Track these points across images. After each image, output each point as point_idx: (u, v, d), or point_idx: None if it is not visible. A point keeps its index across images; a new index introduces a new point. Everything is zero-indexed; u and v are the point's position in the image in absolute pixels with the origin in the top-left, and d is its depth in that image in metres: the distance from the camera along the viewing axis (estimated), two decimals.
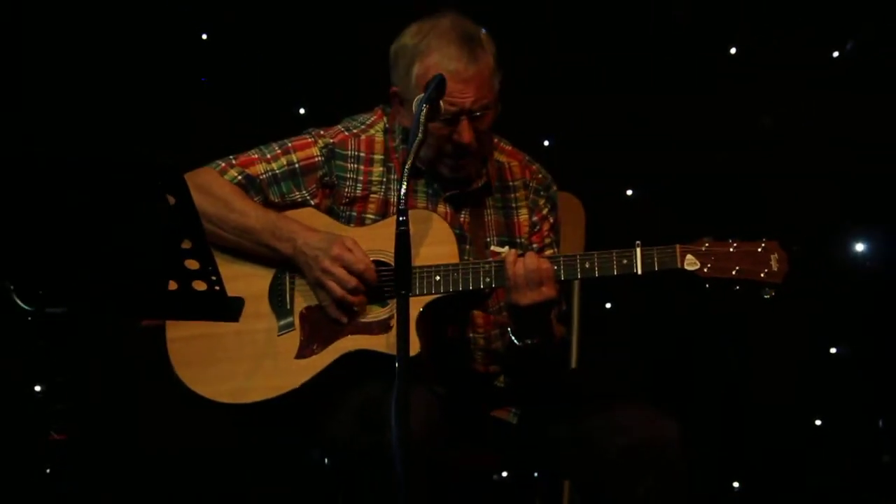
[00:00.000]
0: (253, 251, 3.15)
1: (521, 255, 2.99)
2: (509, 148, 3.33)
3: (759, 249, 2.96)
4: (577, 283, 3.60)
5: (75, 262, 2.47)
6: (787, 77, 4.64)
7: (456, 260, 3.07)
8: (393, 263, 2.71)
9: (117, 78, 4.61)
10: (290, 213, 3.19)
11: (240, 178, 3.18)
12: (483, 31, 3.14)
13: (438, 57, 3.06)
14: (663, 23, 4.67)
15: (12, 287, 2.47)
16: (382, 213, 3.19)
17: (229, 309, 2.56)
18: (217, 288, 2.47)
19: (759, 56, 4.69)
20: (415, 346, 2.84)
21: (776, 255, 2.95)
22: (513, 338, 3.07)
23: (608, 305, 4.71)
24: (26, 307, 2.49)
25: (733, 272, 2.95)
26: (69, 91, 4.54)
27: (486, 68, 3.08)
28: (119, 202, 2.41)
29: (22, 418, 4.17)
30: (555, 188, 3.36)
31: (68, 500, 2.57)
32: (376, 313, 3.09)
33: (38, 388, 2.58)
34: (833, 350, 4.73)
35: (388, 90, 3.23)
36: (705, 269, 2.95)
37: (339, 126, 3.28)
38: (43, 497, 2.56)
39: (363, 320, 3.09)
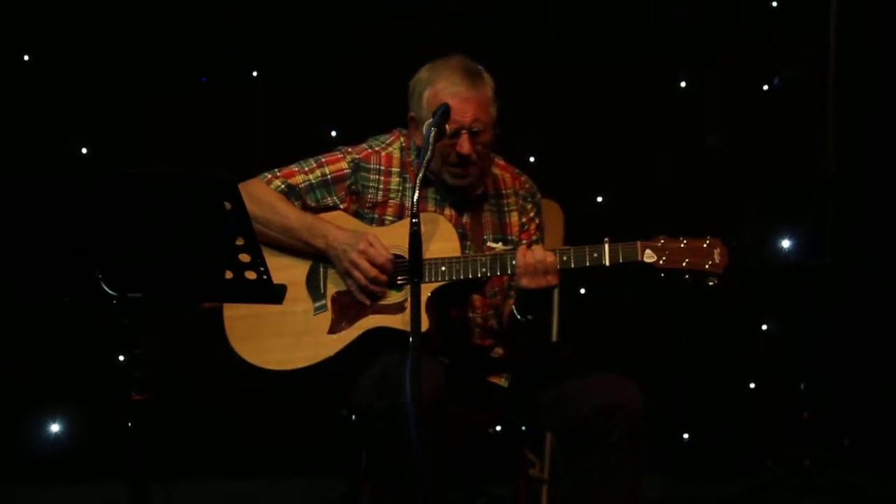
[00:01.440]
0: (293, 247, 3.16)
1: (530, 248, 2.99)
2: (502, 162, 3.34)
3: (705, 245, 2.96)
4: None
5: (151, 255, 2.49)
6: (728, 99, 4.65)
7: (458, 254, 3.08)
8: (407, 256, 2.74)
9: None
10: (323, 215, 3.20)
11: (283, 186, 3.21)
12: (484, 70, 3.15)
13: (444, 83, 3.08)
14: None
15: (100, 276, 2.49)
16: (399, 216, 3.20)
17: (274, 294, 2.56)
18: (265, 277, 2.49)
19: (706, 81, 4.70)
20: (425, 324, 2.87)
21: (718, 249, 2.96)
22: (516, 313, 3.09)
23: (582, 291, 4.72)
24: (112, 292, 2.50)
25: (683, 263, 2.95)
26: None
27: (483, 95, 3.10)
28: (187, 207, 2.43)
29: (107, 383, 4.21)
30: (539, 195, 3.37)
31: (144, 450, 2.59)
32: (394, 297, 3.10)
33: (121, 358, 2.59)
34: (764, 327, 4.75)
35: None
36: (661, 261, 2.96)
37: (364, 144, 3.29)
38: (124, 446, 2.58)
39: (383, 303, 3.10)
